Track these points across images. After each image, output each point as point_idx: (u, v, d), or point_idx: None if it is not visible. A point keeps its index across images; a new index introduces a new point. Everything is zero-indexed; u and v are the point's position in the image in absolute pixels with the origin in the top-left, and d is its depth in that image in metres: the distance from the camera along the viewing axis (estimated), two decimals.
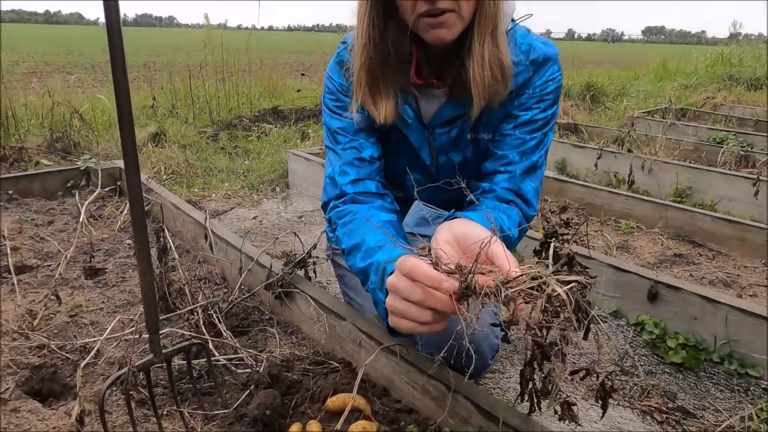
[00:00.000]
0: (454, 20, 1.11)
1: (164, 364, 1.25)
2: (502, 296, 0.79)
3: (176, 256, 1.66)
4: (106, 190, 2.77)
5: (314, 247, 1.70)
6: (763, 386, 1.65)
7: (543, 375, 1.01)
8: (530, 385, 1.03)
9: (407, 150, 1.37)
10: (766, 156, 3.86)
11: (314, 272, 1.73)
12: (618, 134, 4.49)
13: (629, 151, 4.02)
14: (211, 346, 1.49)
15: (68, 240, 2.29)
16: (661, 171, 3.66)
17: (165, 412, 1.31)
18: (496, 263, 0.85)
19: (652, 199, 2.90)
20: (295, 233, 1.82)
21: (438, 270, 0.86)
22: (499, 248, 0.86)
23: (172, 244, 1.70)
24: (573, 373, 0.93)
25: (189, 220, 2.26)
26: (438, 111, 1.30)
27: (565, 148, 4.17)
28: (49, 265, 2.08)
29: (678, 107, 6.19)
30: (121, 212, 2.65)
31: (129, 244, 2.34)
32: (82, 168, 2.93)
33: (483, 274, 0.84)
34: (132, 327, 1.58)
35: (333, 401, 1.24)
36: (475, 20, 1.14)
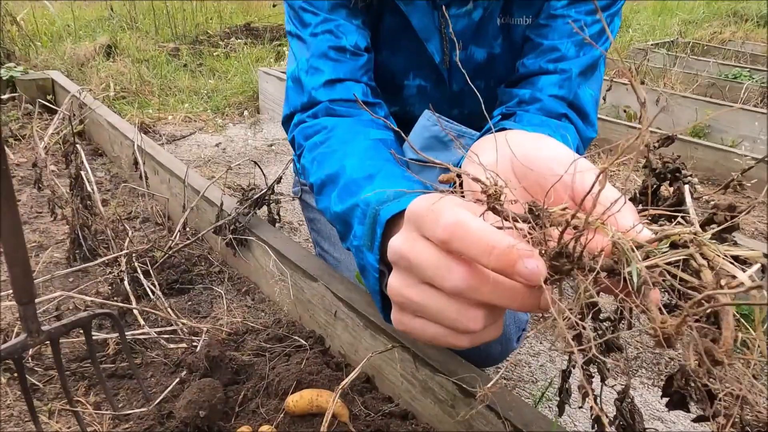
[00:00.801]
0: None
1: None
2: (635, 277, 0.40)
3: (94, 189, 1.24)
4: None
5: (278, 180, 1.29)
6: None
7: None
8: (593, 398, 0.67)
9: (407, 41, 0.94)
10: None
11: (278, 214, 1.33)
12: (630, 65, 4.05)
13: (642, 83, 3.61)
14: (136, 312, 1.10)
15: None
16: (678, 107, 3.27)
17: (59, 408, 0.93)
18: (606, 210, 0.42)
19: (680, 137, 2.52)
20: (255, 162, 1.41)
21: (502, 216, 0.44)
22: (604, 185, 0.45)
23: (91, 172, 1.28)
24: (699, 420, 0.54)
25: (127, 144, 1.82)
26: None
27: None
28: None
29: (686, 41, 5.73)
30: (55, 131, 2.18)
31: (54, 171, 1.90)
32: (4, 77, 2.43)
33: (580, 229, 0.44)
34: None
35: (296, 401, 0.87)
36: None
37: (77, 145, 1.27)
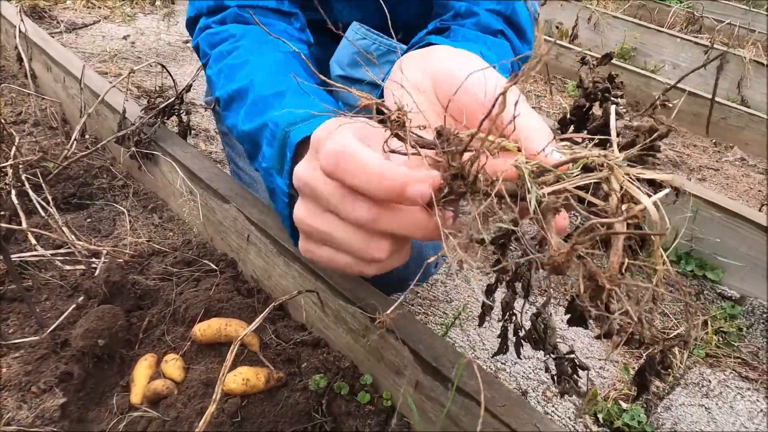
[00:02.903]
0: None
1: None
2: (532, 202, 0.40)
3: None
4: None
5: (188, 89, 1.18)
6: (718, 291, 1.46)
7: (536, 316, 0.66)
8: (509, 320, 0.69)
9: None
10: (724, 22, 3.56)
11: (188, 125, 1.22)
12: None
13: None
14: (27, 230, 1.00)
15: None
16: (608, 27, 3.28)
17: None
18: (518, 134, 0.44)
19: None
20: (162, 65, 1.27)
21: (403, 139, 0.43)
22: (520, 106, 0.44)
23: None
24: (598, 338, 0.58)
25: (14, 32, 1.60)
26: None
27: None
28: None
29: None
30: None
31: None
32: None
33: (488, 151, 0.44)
34: None
35: (203, 330, 0.84)
36: None
37: None
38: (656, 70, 3.07)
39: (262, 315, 0.58)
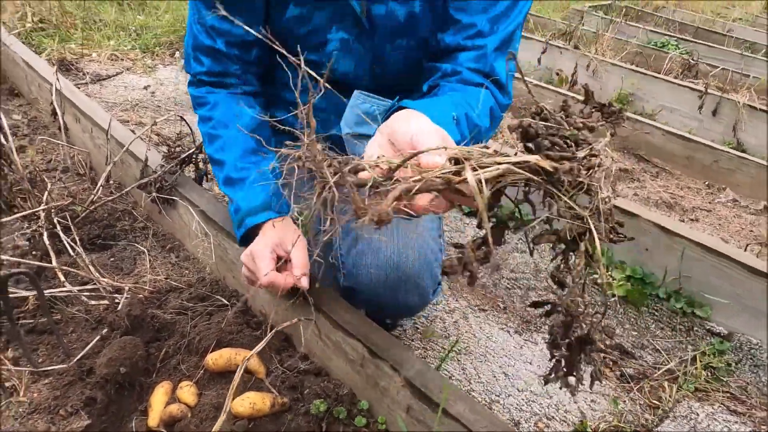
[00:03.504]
0: None
1: None
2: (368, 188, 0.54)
3: (8, 137, 1.20)
4: None
5: None
6: (707, 327, 1.52)
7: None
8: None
9: None
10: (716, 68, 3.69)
11: (205, 174, 1.33)
12: (566, 28, 4.15)
13: (576, 47, 3.71)
14: (58, 269, 1.10)
15: None
16: (605, 73, 3.41)
17: None
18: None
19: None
20: (182, 117, 1.39)
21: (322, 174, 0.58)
22: (424, 137, 0.63)
23: (6, 115, 1.23)
24: (535, 304, 0.64)
25: (46, 86, 1.74)
26: None
27: None
28: None
29: (622, 4, 5.88)
30: None
31: None
32: None
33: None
34: None
35: (215, 359, 0.92)
36: None
37: None
38: (654, 115, 3.17)
39: (265, 339, 0.66)
